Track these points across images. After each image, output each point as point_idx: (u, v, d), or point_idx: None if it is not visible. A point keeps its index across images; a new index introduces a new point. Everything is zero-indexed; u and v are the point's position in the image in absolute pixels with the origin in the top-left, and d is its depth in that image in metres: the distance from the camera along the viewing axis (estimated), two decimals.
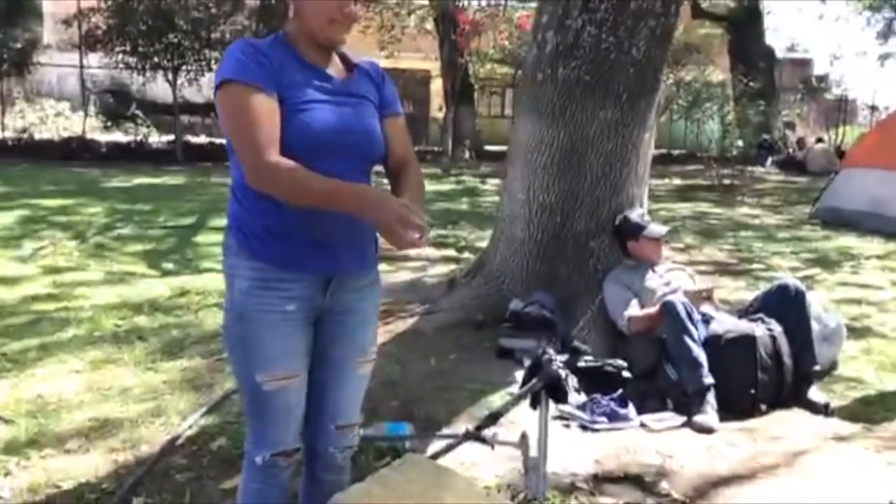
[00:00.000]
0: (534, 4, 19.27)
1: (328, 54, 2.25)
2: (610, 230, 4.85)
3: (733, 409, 4.00)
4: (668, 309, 4.16)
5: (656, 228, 4.71)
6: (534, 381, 3.06)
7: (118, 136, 18.80)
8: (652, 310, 4.39)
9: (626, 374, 4.24)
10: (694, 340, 4.07)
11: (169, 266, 7.12)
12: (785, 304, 4.31)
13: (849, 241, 9.39)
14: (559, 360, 3.30)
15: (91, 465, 3.34)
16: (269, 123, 2.05)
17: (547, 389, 3.05)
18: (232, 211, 2.24)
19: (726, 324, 4.27)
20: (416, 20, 17.89)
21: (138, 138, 18.44)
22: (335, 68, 2.26)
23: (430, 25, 18.97)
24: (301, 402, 2.30)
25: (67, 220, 9.14)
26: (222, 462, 3.39)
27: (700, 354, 4.04)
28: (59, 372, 4.41)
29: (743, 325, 4.22)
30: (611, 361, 4.34)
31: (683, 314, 4.11)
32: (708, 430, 3.85)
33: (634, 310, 4.50)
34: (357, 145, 2.21)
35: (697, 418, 3.91)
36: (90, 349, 4.77)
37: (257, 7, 17.82)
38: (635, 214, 4.73)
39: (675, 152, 22.42)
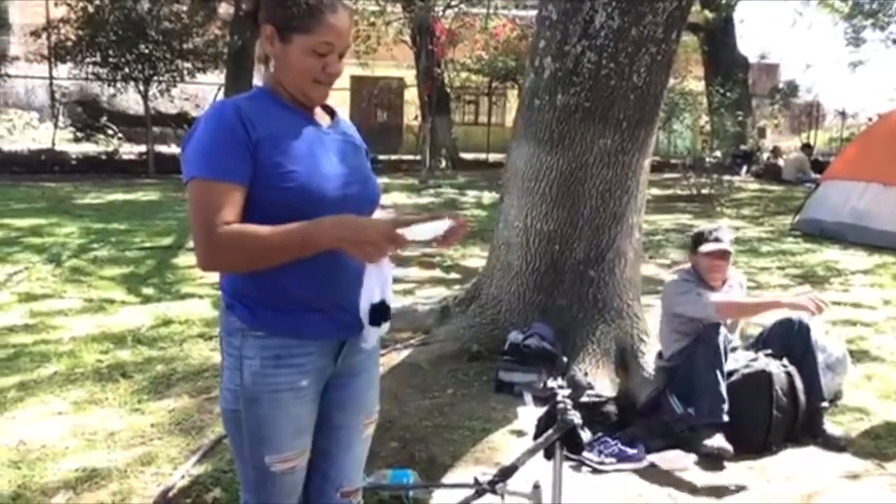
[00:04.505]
0: (508, 12, 19.38)
1: (310, 106, 2.11)
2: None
3: (744, 446, 3.90)
4: (708, 337, 4.00)
5: (713, 245, 4.29)
6: (549, 431, 2.92)
7: (88, 148, 18.47)
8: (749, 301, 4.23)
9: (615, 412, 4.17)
10: (723, 375, 3.95)
11: (149, 291, 6.91)
12: (790, 339, 4.21)
13: (833, 254, 9.38)
14: (570, 403, 3.17)
15: None
16: (225, 207, 1.89)
17: (562, 440, 2.92)
18: (231, 285, 2.06)
19: (741, 358, 4.16)
20: (394, 31, 17.74)
21: (109, 149, 18.12)
22: (318, 115, 2.13)
23: (406, 36, 18.85)
24: (304, 474, 2.17)
25: (41, 241, 8.88)
26: None
27: (724, 391, 3.92)
28: (42, 414, 4.21)
29: (759, 362, 4.11)
30: (609, 397, 4.26)
31: (721, 346, 3.97)
32: (723, 452, 3.78)
33: (718, 296, 4.19)
34: (359, 196, 2.07)
35: (709, 441, 3.82)
36: (72, 388, 4.57)
37: (231, 17, 17.59)
38: (710, 226, 4.43)
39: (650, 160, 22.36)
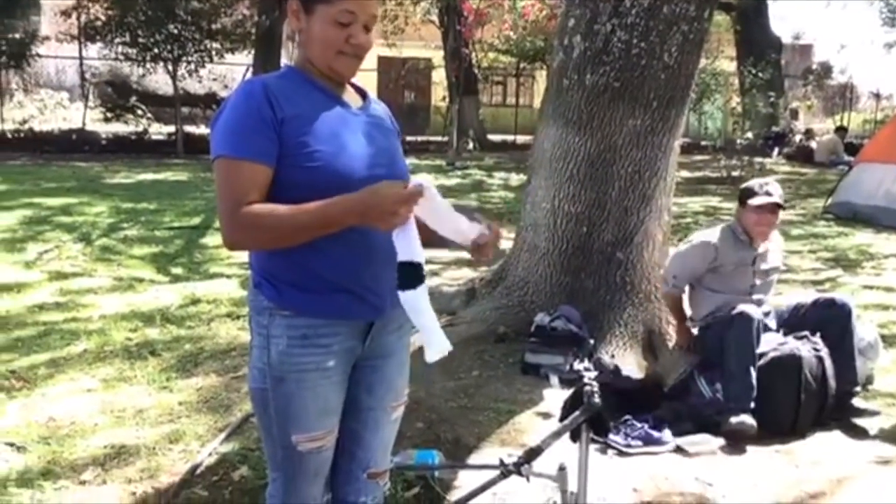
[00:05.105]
0: None
1: (340, 85, 2.10)
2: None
3: (772, 430, 3.86)
4: (743, 321, 3.92)
5: (763, 198, 4.14)
6: (575, 414, 2.90)
7: (118, 128, 18.61)
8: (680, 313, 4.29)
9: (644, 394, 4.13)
10: (754, 365, 3.89)
11: (178, 271, 6.97)
12: (830, 320, 4.14)
13: (865, 237, 9.26)
14: (595, 385, 3.14)
15: (108, 497, 3.20)
16: (250, 186, 1.90)
17: (588, 423, 2.90)
18: (259, 263, 2.06)
19: (771, 341, 4.09)
20: (422, 11, 17.67)
21: (139, 130, 18.25)
22: (349, 96, 2.12)
23: (434, 16, 18.76)
24: (332, 454, 2.18)
25: (72, 220, 8.95)
26: (245, 493, 3.25)
27: (754, 380, 3.88)
28: (71, 391, 4.25)
29: (789, 345, 4.04)
30: (637, 379, 4.24)
31: (755, 333, 3.91)
32: (745, 428, 3.76)
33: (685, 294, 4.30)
34: (386, 178, 2.03)
35: (734, 419, 3.79)
36: (101, 366, 4.62)
37: None
38: (760, 180, 4.32)
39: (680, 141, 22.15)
